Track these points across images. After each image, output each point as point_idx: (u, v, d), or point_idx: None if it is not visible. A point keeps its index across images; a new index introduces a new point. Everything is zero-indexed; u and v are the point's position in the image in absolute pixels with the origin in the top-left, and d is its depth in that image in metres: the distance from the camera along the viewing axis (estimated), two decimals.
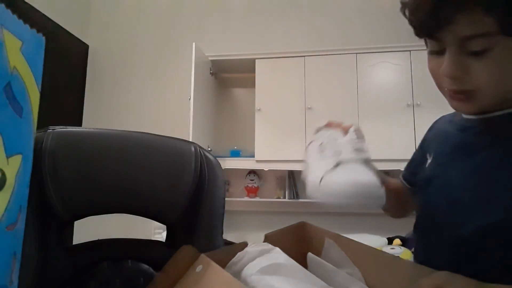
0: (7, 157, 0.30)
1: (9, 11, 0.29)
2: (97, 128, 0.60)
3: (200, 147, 0.64)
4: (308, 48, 2.75)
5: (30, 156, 0.35)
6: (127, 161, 0.58)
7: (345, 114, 2.59)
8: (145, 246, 0.61)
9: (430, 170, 0.65)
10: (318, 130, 0.63)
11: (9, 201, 0.30)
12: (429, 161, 0.66)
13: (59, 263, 0.54)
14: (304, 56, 2.69)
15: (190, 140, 2.37)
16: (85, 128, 0.59)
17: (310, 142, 0.63)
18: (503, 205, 0.50)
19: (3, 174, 0.29)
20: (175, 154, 0.61)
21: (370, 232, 2.29)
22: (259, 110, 2.68)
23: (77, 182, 0.55)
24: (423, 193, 0.65)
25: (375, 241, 2.15)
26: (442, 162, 0.62)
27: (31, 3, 2.55)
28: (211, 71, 2.84)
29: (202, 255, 0.49)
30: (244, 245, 0.55)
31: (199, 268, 0.47)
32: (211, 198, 0.62)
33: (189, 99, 2.44)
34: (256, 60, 2.74)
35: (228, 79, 3.11)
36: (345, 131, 0.60)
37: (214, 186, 0.62)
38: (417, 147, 0.78)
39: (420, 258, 0.66)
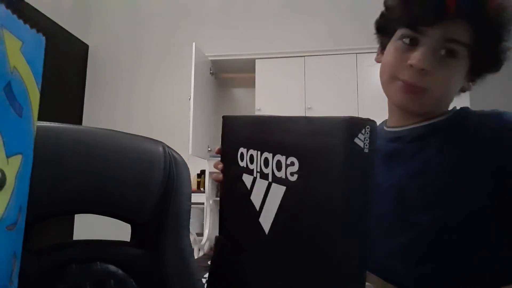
0: (7, 157, 0.30)
1: (9, 11, 0.29)
2: (61, 124, 0.56)
3: (168, 146, 0.63)
4: (308, 48, 2.75)
5: (30, 156, 0.35)
6: (93, 159, 0.56)
7: (345, 114, 2.58)
8: (111, 246, 0.59)
9: None
10: None
11: (9, 201, 0.30)
12: None
13: (24, 268, 0.50)
14: (304, 56, 2.69)
15: (190, 140, 2.38)
16: (48, 123, 0.54)
17: None
18: (449, 202, 0.53)
19: (3, 174, 0.29)
20: (144, 153, 0.60)
21: None
22: (259, 110, 2.68)
23: (38, 181, 0.49)
24: None
25: None
26: (379, 170, 0.65)
27: (31, 3, 2.55)
28: (211, 71, 2.84)
29: None
30: None
31: None
32: (179, 198, 0.61)
33: (189, 99, 2.45)
34: (256, 60, 2.74)
35: (228, 79, 3.11)
36: None
37: (181, 186, 0.62)
38: None
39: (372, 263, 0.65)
